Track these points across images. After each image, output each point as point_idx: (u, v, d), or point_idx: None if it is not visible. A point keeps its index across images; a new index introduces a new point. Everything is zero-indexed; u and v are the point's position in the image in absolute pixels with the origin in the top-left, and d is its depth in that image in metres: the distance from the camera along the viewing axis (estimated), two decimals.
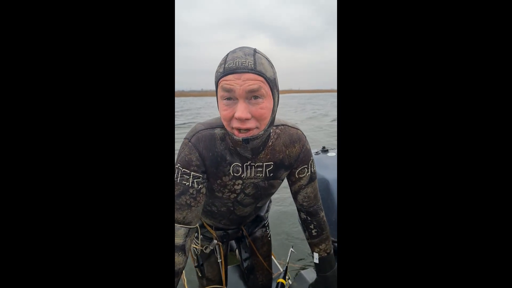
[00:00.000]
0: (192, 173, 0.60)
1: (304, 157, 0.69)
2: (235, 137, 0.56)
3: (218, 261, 0.90)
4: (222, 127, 0.62)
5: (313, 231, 0.75)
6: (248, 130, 0.54)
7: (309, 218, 0.75)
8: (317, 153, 1.30)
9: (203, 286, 0.95)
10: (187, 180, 0.60)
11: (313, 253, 0.76)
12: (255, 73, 0.52)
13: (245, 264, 0.96)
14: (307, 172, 0.70)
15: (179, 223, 0.60)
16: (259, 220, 0.96)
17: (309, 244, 0.77)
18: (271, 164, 0.65)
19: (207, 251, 0.87)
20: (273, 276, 1.05)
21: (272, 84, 0.55)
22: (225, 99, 0.54)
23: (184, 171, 0.60)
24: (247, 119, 0.53)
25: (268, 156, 0.65)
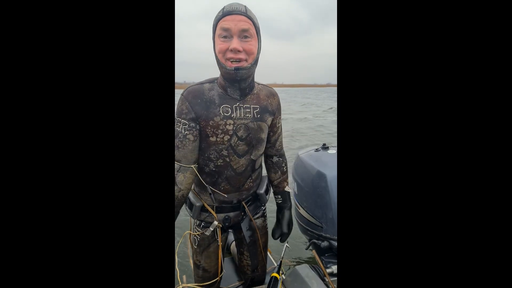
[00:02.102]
0: (182, 120, 0.76)
1: (279, 109, 0.89)
2: (227, 67, 0.71)
3: (218, 244, 0.90)
4: (209, 82, 0.79)
5: (284, 168, 0.98)
6: (239, 61, 0.70)
7: (280, 159, 0.97)
8: (317, 150, 1.29)
9: (198, 276, 0.95)
10: (179, 126, 0.76)
11: (284, 188, 0.99)
12: (246, 16, 0.69)
13: (249, 248, 0.96)
14: (280, 122, 0.92)
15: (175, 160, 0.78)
16: (259, 203, 0.96)
17: (280, 181, 0.98)
18: (257, 107, 0.81)
19: (208, 233, 0.87)
20: (267, 270, 1.05)
21: (257, 29, 0.72)
22: (222, 37, 0.69)
23: (177, 119, 0.76)
24: (239, 51, 0.69)
25: (254, 101, 0.80)
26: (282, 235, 0.97)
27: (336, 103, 0.50)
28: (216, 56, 0.73)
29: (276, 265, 1.14)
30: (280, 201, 0.99)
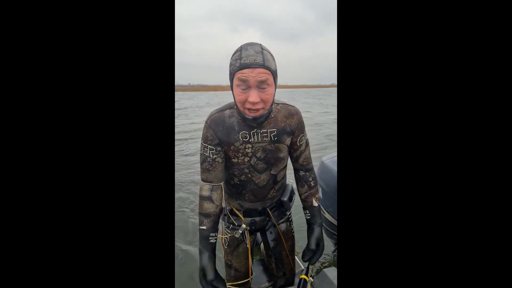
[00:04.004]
0: (208, 146, 0.83)
1: (301, 127, 0.89)
2: (246, 115, 0.75)
3: (247, 246, 0.98)
4: (230, 108, 0.83)
5: (311, 183, 0.97)
6: (257, 110, 0.73)
7: (307, 173, 0.97)
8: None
9: (231, 276, 1.02)
10: (206, 151, 0.84)
11: (311, 203, 0.96)
12: (264, 68, 0.69)
13: (273, 252, 1.02)
14: (304, 139, 0.92)
15: (204, 181, 0.86)
16: (283, 209, 1.01)
17: (308, 196, 0.97)
18: (275, 130, 0.84)
19: (237, 235, 0.95)
20: (296, 272, 1.10)
21: (275, 75, 0.73)
22: (240, 88, 0.71)
23: (204, 145, 0.84)
24: (257, 102, 0.71)
25: (271, 124, 0.83)
26: (312, 255, 0.91)
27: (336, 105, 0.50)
28: (235, 102, 0.77)
29: (304, 267, 1.19)
30: (309, 217, 0.97)
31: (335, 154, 1.40)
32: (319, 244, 0.92)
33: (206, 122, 0.84)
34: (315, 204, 0.95)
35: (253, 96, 0.70)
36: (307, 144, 0.94)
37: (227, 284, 1.02)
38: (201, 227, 0.85)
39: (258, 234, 1.05)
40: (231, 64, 0.72)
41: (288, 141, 0.87)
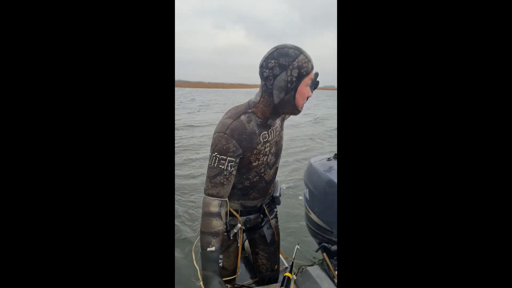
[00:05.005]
0: (228, 158, 0.78)
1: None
2: (299, 109, 0.81)
3: (238, 245, 1.00)
4: (244, 114, 0.82)
5: None
6: (303, 106, 0.81)
7: None
8: (329, 159, 1.37)
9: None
10: (223, 164, 0.78)
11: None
12: None
13: (269, 239, 1.06)
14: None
15: (214, 196, 0.79)
16: (273, 205, 1.07)
17: None
18: (279, 121, 0.90)
19: (232, 234, 0.97)
20: (280, 270, 1.13)
21: None
22: (308, 85, 0.79)
23: (221, 157, 0.78)
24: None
25: (278, 119, 0.88)
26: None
27: (336, 107, 0.51)
28: (294, 98, 0.78)
29: (287, 265, 1.22)
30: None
31: (324, 156, 1.44)
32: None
33: (224, 132, 0.78)
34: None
35: (311, 92, 0.82)
36: None
37: None
38: (209, 249, 0.75)
39: (245, 234, 1.08)
40: (302, 66, 0.75)
41: (283, 125, 0.95)
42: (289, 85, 0.76)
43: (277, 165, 0.96)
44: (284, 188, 3.06)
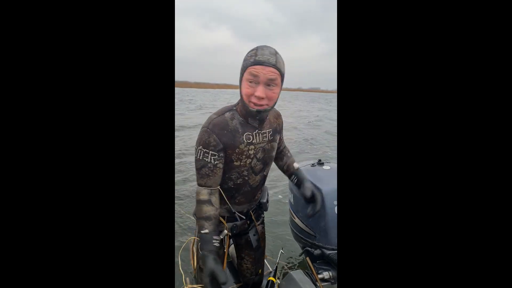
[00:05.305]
0: (210, 152, 0.83)
1: (282, 126, 1.02)
2: (250, 108, 0.79)
3: (224, 251, 1.01)
4: (229, 111, 0.86)
5: (288, 153, 1.12)
6: (261, 105, 0.78)
7: (284, 150, 1.11)
8: (313, 165, 1.40)
9: (202, 279, 1.05)
10: (207, 157, 0.83)
11: (293, 165, 1.11)
12: (275, 68, 0.75)
13: (254, 245, 1.08)
14: (283, 135, 1.05)
15: (202, 186, 0.87)
16: (261, 211, 1.09)
17: (289, 163, 1.11)
18: (271, 130, 0.93)
19: (218, 240, 0.96)
20: (264, 274, 1.15)
21: (283, 78, 0.80)
22: (249, 82, 0.76)
23: (205, 151, 0.83)
24: (262, 98, 0.77)
25: (268, 125, 0.91)
26: (313, 205, 1.02)
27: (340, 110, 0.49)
28: (241, 95, 0.81)
29: (271, 269, 1.24)
30: (296, 179, 1.08)
31: (308, 162, 1.47)
32: (314, 194, 1.02)
33: (207, 127, 0.83)
34: (296, 166, 1.09)
35: (260, 91, 0.75)
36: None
37: (198, 285, 1.04)
38: (202, 232, 0.83)
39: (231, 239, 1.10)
40: (245, 60, 0.78)
41: (277, 138, 0.97)
42: (239, 80, 0.81)
43: (265, 173, 0.98)
44: (281, 197, 3.07)
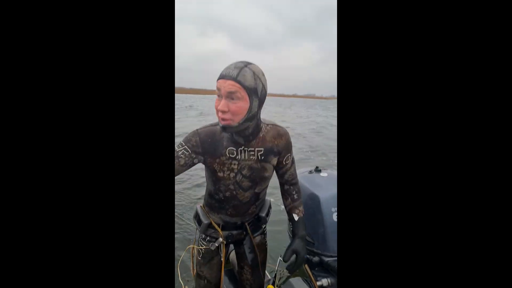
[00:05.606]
0: (185, 146, 0.84)
1: (288, 147, 0.94)
2: (219, 123, 0.78)
3: (221, 259, 1.01)
4: None
5: (295, 196, 1.02)
6: (225, 120, 0.75)
7: (291, 187, 1.02)
8: (310, 172, 1.42)
9: (200, 286, 1.05)
10: (179, 148, 0.85)
11: (292, 215, 1.01)
12: (235, 81, 0.73)
13: (250, 262, 1.07)
14: (290, 158, 0.97)
15: None
16: (260, 223, 1.07)
17: (290, 208, 1.02)
18: (262, 149, 0.88)
19: (213, 247, 0.98)
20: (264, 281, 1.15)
21: (250, 91, 0.75)
22: (217, 95, 0.77)
23: (181, 143, 0.85)
24: (224, 112, 0.75)
25: (259, 144, 0.87)
26: (289, 264, 0.96)
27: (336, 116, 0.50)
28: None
29: (271, 277, 1.25)
30: (291, 228, 1.02)
31: (306, 169, 1.49)
32: (298, 255, 0.94)
33: (197, 130, 0.86)
34: (296, 218, 1.00)
35: (221, 104, 0.74)
36: (292, 162, 0.99)
37: None
38: None
39: (231, 245, 1.10)
40: None
41: (274, 160, 0.92)
42: None
43: (256, 191, 0.95)
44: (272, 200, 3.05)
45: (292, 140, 0.96)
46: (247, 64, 0.75)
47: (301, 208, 1.02)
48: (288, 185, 1.02)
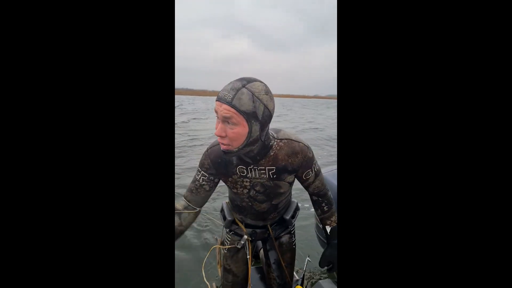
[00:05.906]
0: (202, 172, 0.86)
1: (307, 164, 0.84)
2: (221, 148, 0.74)
3: (247, 257, 1.01)
4: None
5: (325, 208, 0.96)
6: (224, 144, 0.71)
7: (320, 199, 0.95)
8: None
9: (228, 281, 1.04)
10: (198, 175, 0.87)
11: (325, 226, 0.97)
12: (230, 106, 0.65)
13: (272, 263, 1.05)
14: (312, 173, 0.87)
15: (184, 198, 0.88)
16: (285, 225, 1.05)
17: (322, 219, 0.97)
18: (273, 168, 0.82)
19: (239, 246, 0.99)
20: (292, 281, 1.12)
21: (248, 116, 0.67)
22: (216, 117, 0.71)
23: (198, 169, 0.87)
24: (221, 136, 0.70)
25: (270, 163, 0.81)
26: (326, 266, 0.97)
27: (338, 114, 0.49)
28: None
29: (299, 278, 1.21)
30: (322, 233, 1.05)
31: (334, 167, 1.43)
32: (325, 261, 0.94)
33: (207, 150, 0.86)
34: (328, 229, 0.95)
35: (218, 128, 0.69)
36: (316, 175, 0.89)
37: None
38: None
39: (259, 242, 1.08)
40: None
41: (289, 178, 0.86)
42: None
43: (272, 203, 0.92)
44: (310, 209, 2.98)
45: (324, 142, 0.91)
46: (246, 84, 0.67)
47: (333, 218, 0.96)
48: (316, 197, 0.95)
